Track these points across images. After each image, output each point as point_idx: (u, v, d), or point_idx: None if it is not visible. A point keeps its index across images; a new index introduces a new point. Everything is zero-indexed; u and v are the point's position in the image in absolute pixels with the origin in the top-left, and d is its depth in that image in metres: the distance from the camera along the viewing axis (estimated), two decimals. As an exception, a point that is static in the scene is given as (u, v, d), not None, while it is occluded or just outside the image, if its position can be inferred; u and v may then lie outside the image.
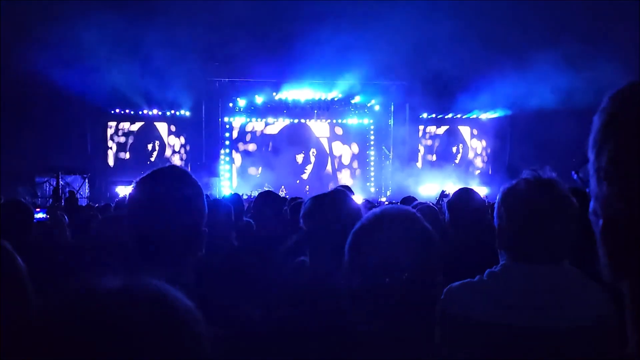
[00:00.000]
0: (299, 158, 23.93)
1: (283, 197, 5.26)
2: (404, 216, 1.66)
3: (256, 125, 24.00)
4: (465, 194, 3.91)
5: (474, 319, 1.90)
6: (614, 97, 0.90)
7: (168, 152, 23.50)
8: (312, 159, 24.09)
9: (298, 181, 23.11)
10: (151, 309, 0.80)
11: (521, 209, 1.95)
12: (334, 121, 24.10)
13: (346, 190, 2.84)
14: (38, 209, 4.13)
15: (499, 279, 1.95)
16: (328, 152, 24.36)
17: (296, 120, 23.81)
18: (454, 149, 24.74)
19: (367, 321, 1.62)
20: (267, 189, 5.62)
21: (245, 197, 17.57)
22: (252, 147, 23.98)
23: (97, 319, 0.76)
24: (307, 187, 22.61)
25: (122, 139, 23.28)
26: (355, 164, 24.64)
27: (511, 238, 1.97)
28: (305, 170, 23.95)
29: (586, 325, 1.87)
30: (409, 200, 5.49)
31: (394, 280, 1.56)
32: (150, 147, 23.41)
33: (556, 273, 1.92)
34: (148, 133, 23.43)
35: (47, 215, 4.54)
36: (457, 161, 24.72)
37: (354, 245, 1.67)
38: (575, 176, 0.97)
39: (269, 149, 23.80)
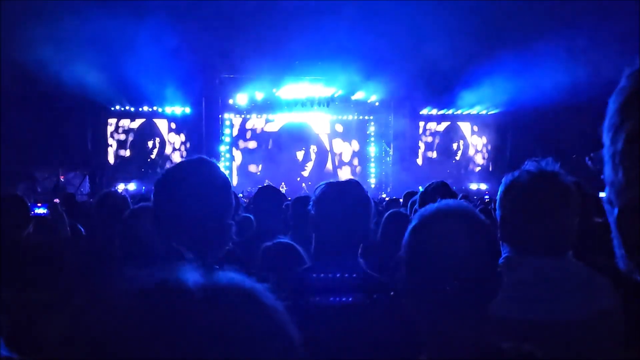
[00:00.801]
0: (300, 155, 23.90)
1: (282, 192, 5.24)
2: (463, 211, 1.59)
3: (256, 122, 23.95)
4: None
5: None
6: (634, 75, 0.84)
7: (168, 149, 23.45)
8: (313, 156, 24.07)
9: (298, 178, 23.09)
10: (246, 308, 0.77)
11: (524, 201, 1.93)
12: (335, 118, 24.05)
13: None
14: (39, 204, 4.11)
15: (502, 271, 1.94)
16: (328, 149, 24.34)
17: (296, 117, 23.77)
18: (455, 146, 24.72)
19: (429, 322, 1.57)
20: (266, 184, 5.61)
21: (245, 192, 17.59)
22: (252, 144, 23.92)
23: (188, 318, 0.73)
24: (304, 184, 22.57)
25: (123, 136, 23.21)
26: (355, 161, 24.60)
27: (514, 230, 1.96)
28: (305, 168, 23.92)
29: (590, 317, 1.86)
30: (410, 195, 5.47)
31: (458, 281, 1.50)
32: (150, 144, 23.38)
33: (560, 265, 1.91)
34: (148, 130, 23.38)
35: (48, 210, 4.53)
36: (457, 158, 24.69)
37: (413, 244, 1.60)
38: (589, 162, 0.93)
39: (269, 146, 23.78)
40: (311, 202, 2.44)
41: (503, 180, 2.01)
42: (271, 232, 4.09)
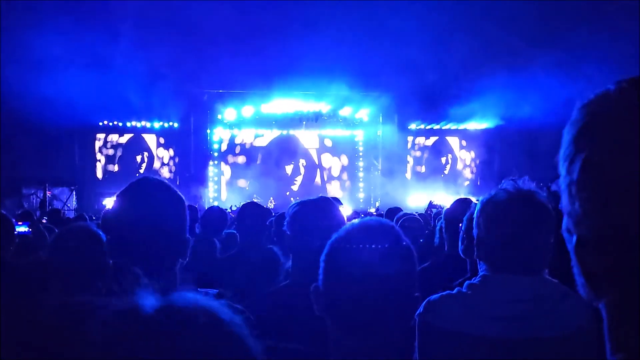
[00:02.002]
0: (288, 169, 23.89)
1: (267, 208, 5.23)
2: (382, 228, 1.64)
3: (245, 137, 23.94)
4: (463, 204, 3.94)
5: (453, 330, 1.89)
6: (585, 107, 0.86)
7: (157, 164, 23.37)
8: (302, 170, 24.07)
9: (288, 193, 23.03)
10: (205, 327, 0.78)
11: (500, 220, 1.94)
12: (323, 133, 24.07)
13: (334, 200, 2.84)
14: (20, 222, 4.06)
15: (479, 290, 1.95)
16: (317, 163, 24.35)
17: (285, 132, 23.79)
18: (443, 160, 24.79)
19: (346, 334, 1.60)
20: (251, 200, 5.60)
21: (234, 208, 17.53)
22: (241, 159, 23.89)
23: (150, 343, 0.74)
24: (292, 199, 22.51)
25: (111, 151, 23.13)
26: (344, 176, 24.60)
27: (490, 249, 1.97)
28: (295, 182, 23.91)
29: (566, 335, 1.88)
30: (394, 211, 5.48)
31: (371, 293, 1.54)
32: (139, 158, 23.30)
33: (535, 284, 1.92)
34: (136, 145, 23.29)
35: (29, 229, 4.46)
36: (446, 172, 24.76)
37: (330, 256, 1.65)
38: (550, 188, 0.93)
39: (258, 161, 23.75)
40: (285, 223, 2.46)
41: (479, 199, 2.02)
42: (255, 249, 4.10)
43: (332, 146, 24.39)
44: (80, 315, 0.81)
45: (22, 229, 4.07)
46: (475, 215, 2.02)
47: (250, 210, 4.49)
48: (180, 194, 1.95)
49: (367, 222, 1.66)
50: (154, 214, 1.83)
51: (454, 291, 1.99)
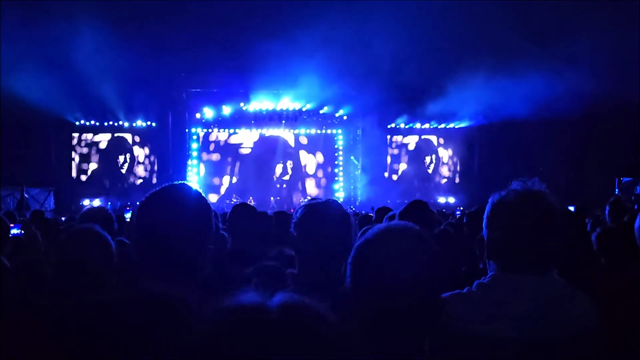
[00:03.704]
0: (278, 169, 23.85)
1: (260, 211, 5.21)
2: (409, 232, 1.67)
3: (223, 135, 23.83)
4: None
5: (464, 330, 1.90)
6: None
7: (136, 164, 23.20)
8: (290, 171, 24.00)
9: (272, 198, 22.78)
10: (314, 321, 0.88)
11: (511, 221, 1.96)
12: (301, 131, 24.00)
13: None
14: (12, 224, 3.99)
15: (489, 290, 1.96)
16: (302, 165, 24.29)
17: (264, 131, 23.70)
18: (428, 159, 24.82)
19: (370, 336, 1.61)
20: (239, 202, 5.56)
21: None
22: (216, 156, 23.78)
23: (270, 334, 0.83)
24: (272, 198, 22.48)
25: (86, 150, 22.89)
26: (320, 173, 24.55)
27: (501, 249, 1.98)
28: (283, 181, 23.88)
29: (574, 335, 1.90)
30: (384, 210, 5.49)
31: (399, 296, 1.56)
32: (122, 159, 23.07)
33: (545, 284, 1.94)
34: (114, 144, 23.05)
35: (21, 230, 4.40)
36: (430, 171, 24.81)
37: (358, 259, 1.67)
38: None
39: (237, 159, 23.67)
40: (292, 224, 2.46)
41: (490, 199, 2.03)
42: (246, 251, 4.06)
43: (307, 143, 24.31)
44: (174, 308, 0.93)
45: (14, 231, 4.01)
46: (485, 216, 2.04)
47: (242, 212, 4.45)
48: (208, 202, 1.94)
49: (394, 226, 1.68)
50: (181, 221, 1.82)
51: (464, 290, 2.00)
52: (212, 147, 23.82)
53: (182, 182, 1.98)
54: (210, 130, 23.58)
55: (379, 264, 1.61)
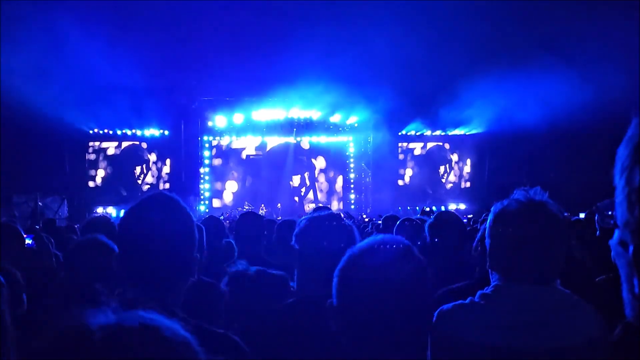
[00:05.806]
0: (296, 180, 23.95)
1: (268, 219, 5.22)
2: (397, 246, 1.69)
3: (235, 143, 23.94)
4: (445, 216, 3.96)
5: (467, 340, 1.90)
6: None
7: (148, 173, 23.32)
8: (296, 181, 24.03)
9: (279, 204, 22.85)
10: (148, 345, 0.80)
11: (514, 230, 1.96)
12: (313, 139, 24.05)
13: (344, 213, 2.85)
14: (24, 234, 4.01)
15: (492, 300, 1.95)
16: (316, 176, 24.34)
17: (276, 139, 23.77)
18: (441, 169, 24.78)
19: (358, 347, 1.63)
20: (248, 209, 5.58)
21: (226, 214, 17.50)
22: (217, 161, 23.96)
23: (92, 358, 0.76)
24: (279, 205, 22.52)
25: (99, 158, 23.06)
26: (331, 181, 24.58)
27: (504, 259, 1.98)
28: (301, 192, 23.96)
29: (577, 345, 1.88)
30: (391, 219, 5.47)
31: (386, 309, 1.58)
32: (138, 169, 23.25)
33: (548, 294, 1.93)
34: (128, 153, 23.25)
35: (33, 241, 4.41)
36: (443, 180, 24.75)
37: (344, 272, 1.69)
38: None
39: (249, 167, 23.76)
40: (294, 237, 2.45)
41: (492, 209, 2.03)
42: (253, 258, 4.08)
43: (318, 151, 24.36)
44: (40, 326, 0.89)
45: (27, 241, 4.03)
46: (487, 225, 2.03)
47: (249, 220, 4.48)
48: (189, 211, 1.93)
49: (381, 240, 1.69)
50: (163, 231, 1.80)
51: (467, 301, 1.99)
52: (214, 152, 23.96)
53: (162, 191, 1.97)
54: (228, 139, 23.78)
55: (361, 280, 1.63)
